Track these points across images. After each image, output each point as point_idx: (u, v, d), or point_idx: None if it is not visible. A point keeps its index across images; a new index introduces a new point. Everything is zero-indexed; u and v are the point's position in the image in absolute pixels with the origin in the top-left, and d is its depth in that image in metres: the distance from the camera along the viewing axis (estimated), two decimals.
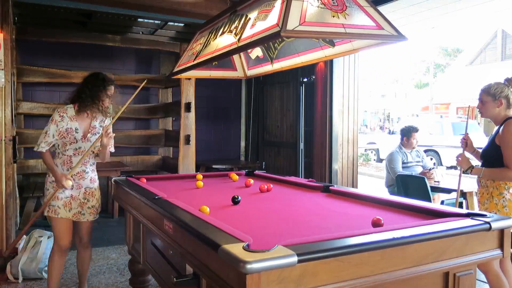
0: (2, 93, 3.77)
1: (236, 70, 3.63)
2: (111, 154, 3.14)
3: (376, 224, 1.72)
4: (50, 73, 5.93)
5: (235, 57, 3.52)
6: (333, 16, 1.92)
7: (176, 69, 3.35)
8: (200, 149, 6.31)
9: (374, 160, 15.00)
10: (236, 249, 1.28)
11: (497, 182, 2.84)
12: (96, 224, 5.55)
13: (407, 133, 4.94)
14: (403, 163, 4.86)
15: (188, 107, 5.68)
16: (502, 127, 2.82)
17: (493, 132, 2.96)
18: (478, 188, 3.06)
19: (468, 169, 3.02)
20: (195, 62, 2.88)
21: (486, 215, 1.77)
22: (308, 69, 5.71)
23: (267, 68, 3.29)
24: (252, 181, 3.04)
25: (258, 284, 1.19)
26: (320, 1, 1.93)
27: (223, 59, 2.79)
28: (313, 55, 2.73)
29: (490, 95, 2.88)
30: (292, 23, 1.80)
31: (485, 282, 3.63)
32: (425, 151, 9.21)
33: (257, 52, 3.30)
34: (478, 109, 2.99)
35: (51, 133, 2.88)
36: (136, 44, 6.34)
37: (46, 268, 3.60)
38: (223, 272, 1.32)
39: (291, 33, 1.81)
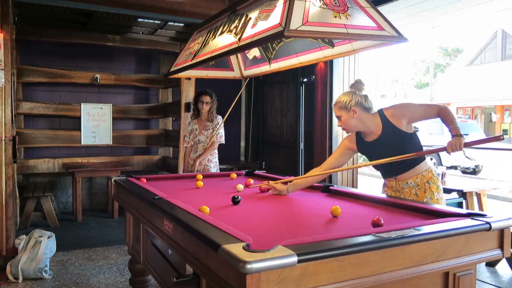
0: (2, 93, 3.77)
1: (233, 70, 3.63)
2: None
3: (376, 224, 1.71)
4: (50, 73, 5.94)
5: (232, 57, 3.51)
6: (335, 17, 1.92)
7: (173, 69, 3.34)
8: None
9: None
10: (236, 249, 1.28)
11: (428, 176, 2.51)
12: (96, 223, 5.57)
13: None
14: None
15: (188, 107, 5.68)
16: (389, 117, 2.49)
17: (378, 136, 2.54)
18: (391, 192, 2.64)
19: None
20: (194, 61, 2.88)
21: (486, 215, 1.77)
22: (308, 69, 5.71)
23: (264, 68, 3.28)
24: (252, 181, 3.04)
25: (258, 284, 1.19)
26: (322, 1, 1.93)
27: (222, 58, 2.79)
28: (312, 56, 2.73)
29: (342, 109, 2.53)
30: (295, 23, 1.80)
31: (485, 282, 3.64)
32: None
33: (254, 52, 3.30)
34: (341, 127, 2.62)
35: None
36: (136, 44, 6.34)
37: (46, 268, 3.61)
38: (223, 272, 1.32)
39: (294, 33, 1.81)
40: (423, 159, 2.55)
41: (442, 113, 2.45)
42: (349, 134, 2.74)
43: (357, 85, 2.57)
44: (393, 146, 2.49)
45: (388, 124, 2.51)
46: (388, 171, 2.64)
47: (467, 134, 11.78)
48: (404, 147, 2.47)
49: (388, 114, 2.52)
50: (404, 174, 2.54)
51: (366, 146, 2.63)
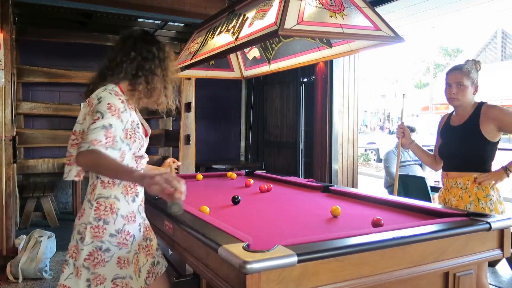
0: (2, 93, 3.76)
1: (233, 71, 3.63)
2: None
3: (376, 224, 1.72)
4: (50, 73, 5.93)
5: (232, 58, 3.51)
6: (331, 16, 1.92)
7: None
8: (200, 149, 6.30)
9: (374, 160, 15.01)
10: (236, 249, 1.28)
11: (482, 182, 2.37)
12: None
13: None
14: (400, 161, 4.85)
15: (188, 107, 5.68)
16: (482, 114, 2.35)
17: (459, 124, 2.45)
18: (443, 190, 2.55)
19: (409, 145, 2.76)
20: (192, 61, 2.88)
21: (486, 215, 1.77)
22: (308, 69, 5.71)
23: (264, 68, 3.28)
24: (252, 181, 3.04)
25: (258, 284, 1.19)
26: (318, 1, 1.93)
27: (220, 58, 2.78)
28: (311, 56, 2.73)
29: (469, 79, 2.38)
30: (290, 22, 1.80)
31: None
32: None
33: (254, 52, 3.30)
34: (452, 94, 2.40)
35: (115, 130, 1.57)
36: None
37: (46, 268, 3.60)
38: (223, 272, 1.32)
39: (288, 32, 1.81)
40: (486, 170, 2.39)
41: None
42: (443, 115, 2.67)
43: (478, 64, 2.42)
44: (462, 141, 2.40)
45: (475, 119, 2.38)
46: (446, 162, 2.54)
47: None
48: (472, 150, 2.37)
49: (484, 110, 2.37)
50: (454, 173, 2.45)
51: (448, 130, 2.54)
